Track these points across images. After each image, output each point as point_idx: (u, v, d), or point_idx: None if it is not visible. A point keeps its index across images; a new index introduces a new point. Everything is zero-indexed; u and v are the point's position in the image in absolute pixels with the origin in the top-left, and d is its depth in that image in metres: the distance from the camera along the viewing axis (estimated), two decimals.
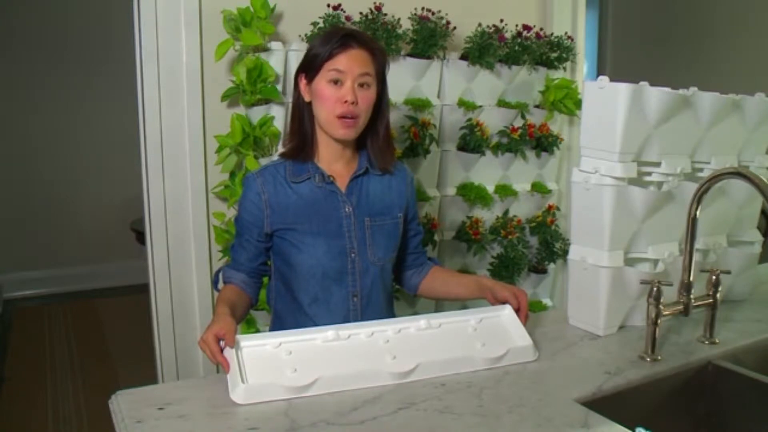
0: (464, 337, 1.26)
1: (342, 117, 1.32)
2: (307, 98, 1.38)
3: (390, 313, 1.54)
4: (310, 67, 1.35)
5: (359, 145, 1.45)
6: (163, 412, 1.03)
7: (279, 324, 1.47)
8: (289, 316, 1.44)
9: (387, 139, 1.44)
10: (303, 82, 1.38)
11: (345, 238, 1.39)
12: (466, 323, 1.30)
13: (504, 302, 1.37)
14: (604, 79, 1.32)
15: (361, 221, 1.41)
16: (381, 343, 1.21)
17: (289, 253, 1.39)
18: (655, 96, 1.32)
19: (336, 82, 1.31)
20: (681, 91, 1.39)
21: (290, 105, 1.57)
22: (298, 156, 1.41)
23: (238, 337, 1.15)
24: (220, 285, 1.47)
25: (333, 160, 1.41)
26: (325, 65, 1.32)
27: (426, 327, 1.27)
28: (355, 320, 1.41)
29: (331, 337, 1.20)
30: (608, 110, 1.30)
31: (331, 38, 1.33)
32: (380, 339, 1.21)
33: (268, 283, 1.51)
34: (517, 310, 1.35)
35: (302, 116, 1.41)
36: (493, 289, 1.40)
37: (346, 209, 1.40)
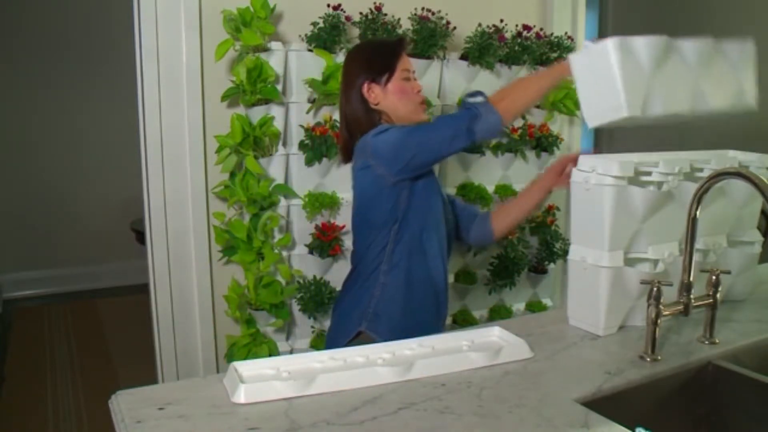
0: (458, 349, 1.28)
1: (422, 103, 1.65)
2: (376, 101, 1.59)
3: None
4: (382, 73, 1.59)
5: None
6: (163, 412, 1.03)
7: (397, 273, 1.59)
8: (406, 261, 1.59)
9: None
10: (373, 88, 1.59)
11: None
12: (458, 343, 1.31)
13: (560, 173, 1.66)
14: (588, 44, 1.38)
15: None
16: (378, 362, 1.21)
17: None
18: (642, 43, 1.34)
19: (407, 79, 1.62)
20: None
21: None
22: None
23: (235, 363, 1.14)
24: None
25: None
26: (398, 66, 1.61)
27: (418, 347, 1.28)
28: (444, 264, 1.65)
29: (326, 359, 1.21)
30: (602, 69, 1.34)
31: (393, 46, 1.65)
32: (377, 360, 1.22)
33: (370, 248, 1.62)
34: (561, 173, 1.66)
35: (366, 119, 1.60)
36: (541, 179, 1.74)
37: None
